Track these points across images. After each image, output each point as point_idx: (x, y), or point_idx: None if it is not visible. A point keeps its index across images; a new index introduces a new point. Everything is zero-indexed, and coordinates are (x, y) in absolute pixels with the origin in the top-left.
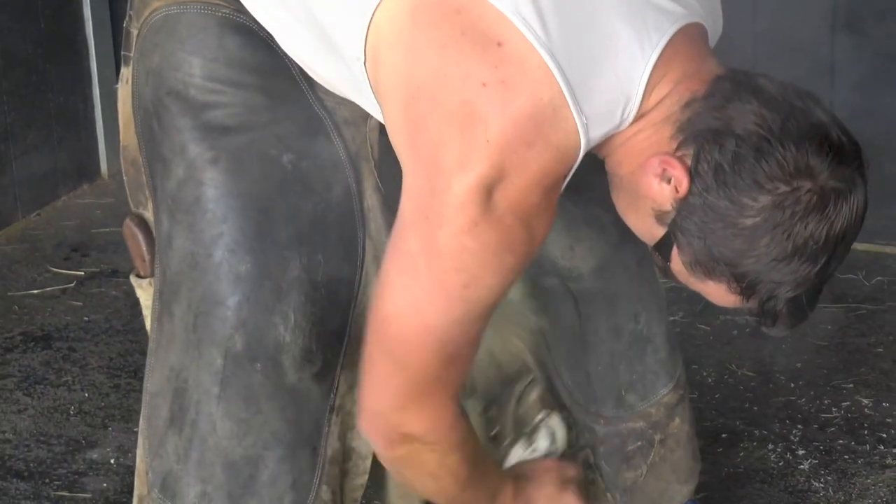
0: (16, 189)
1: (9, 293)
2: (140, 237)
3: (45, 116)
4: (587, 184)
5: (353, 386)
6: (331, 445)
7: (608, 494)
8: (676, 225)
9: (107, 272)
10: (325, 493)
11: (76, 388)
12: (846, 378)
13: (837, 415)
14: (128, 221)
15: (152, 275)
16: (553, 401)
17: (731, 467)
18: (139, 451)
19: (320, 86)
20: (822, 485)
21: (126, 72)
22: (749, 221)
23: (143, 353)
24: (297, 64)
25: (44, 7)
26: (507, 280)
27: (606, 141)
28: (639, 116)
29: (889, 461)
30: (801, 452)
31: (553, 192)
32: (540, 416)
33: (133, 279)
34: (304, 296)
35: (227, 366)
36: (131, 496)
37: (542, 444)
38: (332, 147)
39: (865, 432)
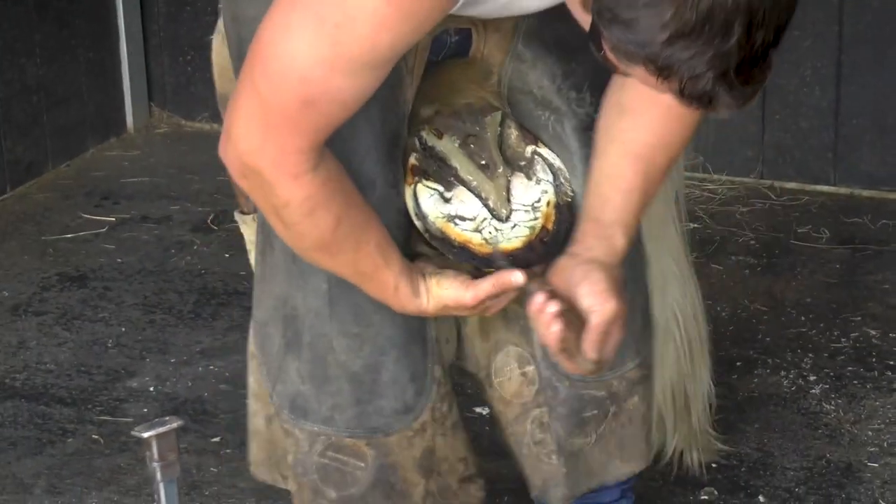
0: (47, 140)
1: (43, 237)
2: None
3: (75, 70)
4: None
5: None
6: (434, 327)
7: (553, 457)
8: (594, 9)
9: (137, 218)
10: (437, 371)
11: (113, 323)
12: (854, 312)
13: (846, 345)
14: None
15: (255, 211)
16: (533, 135)
17: (746, 392)
18: (253, 377)
19: None
20: (832, 407)
21: (220, 22)
22: None
23: (177, 293)
24: None
25: None
26: (379, 38)
27: None
28: None
29: None
30: (812, 378)
31: None
32: (529, 151)
33: (237, 216)
34: (395, 210)
35: (333, 288)
36: None
37: (542, 175)
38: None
39: (874, 360)
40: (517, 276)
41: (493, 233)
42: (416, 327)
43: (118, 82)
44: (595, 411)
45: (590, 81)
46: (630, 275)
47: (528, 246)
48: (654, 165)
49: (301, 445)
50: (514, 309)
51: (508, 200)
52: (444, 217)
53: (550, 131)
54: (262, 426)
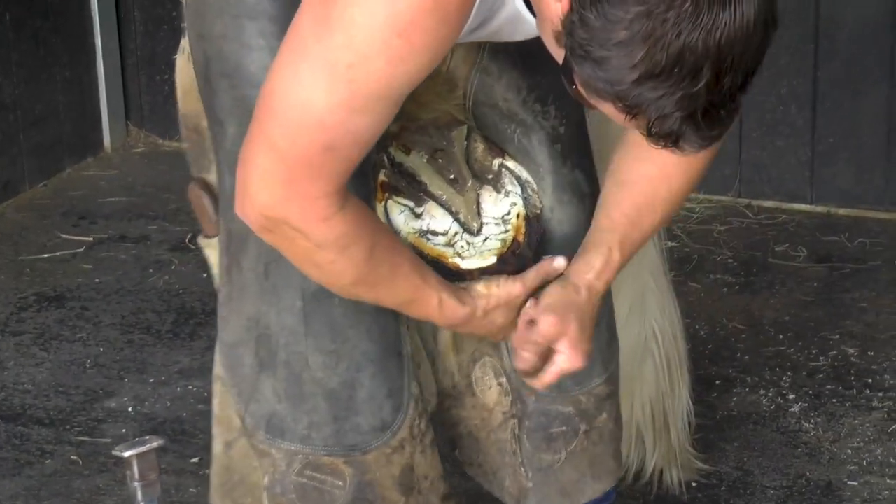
0: (24, 159)
1: (20, 257)
2: (206, 199)
3: (52, 89)
4: (576, 149)
5: None
6: (410, 343)
7: (522, 469)
8: (567, 45)
9: (115, 238)
10: (414, 388)
11: (91, 343)
12: (832, 330)
13: (825, 363)
14: (192, 186)
15: (218, 234)
16: (499, 148)
17: (726, 411)
18: (217, 401)
19: None
20: (811, 426)
21: (184, 41)
22: (622, 35)
23: (155, 312)
24: None
25: None
26: (396, 71)
27: None
28: None
29: (875, 404)
30: (791, 397)
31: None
32: (496, 164)
33: (201, 240)
34: None
35: (307, 305)
36: None
37: (510, 187)
38: None
39: (852, 378)
40: (559, 262)
41: (466, 247)
42: (392, 342)
43: (95, 101)
44: (563, 427)
45: (555, 94)
46: None
47: (501, 259)
48: (648, 200)
49: (278, 465)
50: None
51: (479, 214)
52: (416, 232)
53: (517, 144)
54: (219, 451)
